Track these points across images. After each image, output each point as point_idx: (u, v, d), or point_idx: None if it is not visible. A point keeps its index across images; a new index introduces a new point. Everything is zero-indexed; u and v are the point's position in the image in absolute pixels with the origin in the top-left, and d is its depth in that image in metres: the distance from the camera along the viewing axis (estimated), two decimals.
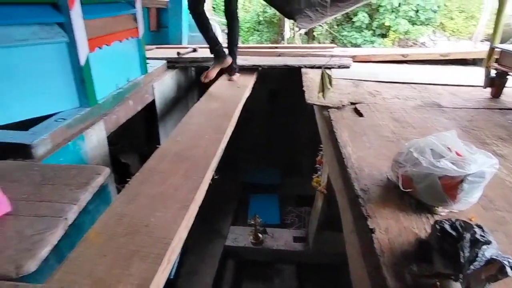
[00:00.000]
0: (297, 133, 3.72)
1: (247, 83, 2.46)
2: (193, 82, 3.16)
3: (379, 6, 9.19)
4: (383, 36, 9.75)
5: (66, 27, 1.46)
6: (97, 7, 1.67)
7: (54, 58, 1.49)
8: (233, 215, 3.51)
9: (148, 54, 2.39)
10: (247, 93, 2.31)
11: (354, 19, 9.56)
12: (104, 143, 1.77)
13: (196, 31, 3.32)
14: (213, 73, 2.47)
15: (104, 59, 1.76)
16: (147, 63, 2.35)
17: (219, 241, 3.12)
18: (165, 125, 2.66)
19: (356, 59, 2.96)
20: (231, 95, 2.18)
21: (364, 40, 9.67)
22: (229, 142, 1.65)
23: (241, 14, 11.31)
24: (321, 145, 2.40)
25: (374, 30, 9.71)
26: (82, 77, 1.58)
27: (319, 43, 9.89)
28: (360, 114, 1.67)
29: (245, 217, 3.38)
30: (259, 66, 2.70)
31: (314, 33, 10.01)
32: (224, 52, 2.47)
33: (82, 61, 1.56)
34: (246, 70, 2.68)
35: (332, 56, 2.89)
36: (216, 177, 1.30)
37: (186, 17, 3.68)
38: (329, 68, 2.61)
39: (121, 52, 1.98)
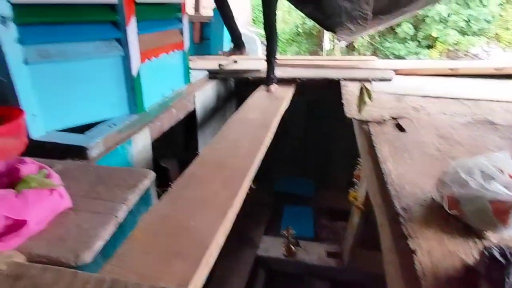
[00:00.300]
0: (333, 145, 3.68)
1: (285, 94, 2.50)
2: (232, 93, 3.27)
3: (425, 16, 8.85)
4: (429, 47, 9.34)
5: (123, 42, 1.62)
6: (150, 23, 1.82)
7: (110, 70, 1.64)
8: (265, 225, 3.53)
9: (191, 64, 2.53)
10: (285, 104, 2.35)
11: (397, 30, 9.29)
12: (149, 148, 1.90)
13: None
14: (229, 54, 2.95)
15: (152, 70, 1.90)
16: (190, 74, 2.49)
17: (251, 249, 3.14)
18: (204, 133, 2.78)
19: (399, 72, 2.88)
20: (269, 106, 2.23)
21: (408, 51, 9.33)
22: (266, 152, 1.69)
23: (280, 26, 11.53)
24: (359, 159, 2.36)
25: (419, 41, 9.35)
26: (133, 87, 1.73)
27: (360, 54, 9.72)
28: (402, 130, 1.63)
29: (277, 228, 3.38)
30: (298, 78, 2.74)
31: (355, 44, 9.87)
32: (243, 43, 2.87)
33: (134, 72, 1.70)
34: (285, 81, 2.72)
35: (373, 68, 2.84)
36: (253, 187, 1.34)
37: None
38: (369, 81, 2.57)
39: (168, 63, 2.13)
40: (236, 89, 3.30)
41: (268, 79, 2.61)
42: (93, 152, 1.47)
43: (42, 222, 0.88)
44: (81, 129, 1.63)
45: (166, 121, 2.07)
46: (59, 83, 1.51)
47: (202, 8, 4.85)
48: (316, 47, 11.00)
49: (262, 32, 2.63)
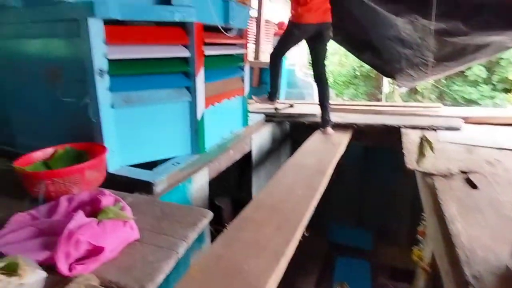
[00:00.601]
0: (393, 195, 3.48)
1: (341, 140, 2.52)
2: (287, 135, 3.38)
3: (500, 58, 8.32)
4: (507, 90, 8.63)
5: (191, 89, 1.84)
6: (215, 72, 2.05)
7: (178, 114, 1.86)
8: (317, 276, 3.36)
9: (249, 107, 2.71)
10: (341, 150, 2.36)
11: (467, 72, 8.81)
12: (206, 187, 2.04)
13: (292, 87, 3.64)
14: (260, 100, 3.19)
15: (214, 114, 2.10)
16: (248, 117, 2.67)
17: None
18: (258, 174, 2.87)
19: (469, 121, 2.72)
20: (325, 151, 2.27)
21: (481, 95, 8.72)
22: (320, 198, 1.70)
23: (336, 68, 11.71)
24: (423, 213, 2.21)
25: (494, 84, 8.72)
26: (197, 129, 1.92)
27: (423, 98, 9.35)
28: (473, 186, 1.52)
29: (329, 280, 3.19)
30: (355, 124, 2.75)
31: (418, 88, 9.56)
32: (276, 97, 3.13)
33: (199, 116, 1.90)
34: (341, 127, 2.75)
35: (438, 116, 2.73)
36: (306, 234, 1.35)
37: (285, 75, 4.07)
38: (434, 130, 2.47)
39: (229, 108, 2.33)
40: (292, 132, 3.40)
41: (323, 122, 2.68)
42: (158, 188, 1.64)
43: (115, 250, 1.01)
44: (147, 165, 1.83)
45: (224, 162, 2.22)
46: (136, 124, 1.75)
47: (261, 53, 5.24)
48: (374, 90, 10.88)
49: None
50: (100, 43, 1.54)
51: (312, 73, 2.73)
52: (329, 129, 2.66)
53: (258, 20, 4.41)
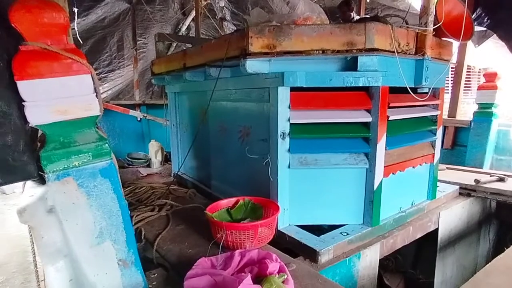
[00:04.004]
0: None
1: None
2: (491, 217, 2.69)
3: None
4: None
5: (370, 156, 1.77)
6: (400, 138, 1.90)
7: (353, 180, 1.82)
8: None
9: (438, 174, 2.34)
10: None
11: None
12: (376, 265, 1.84)
13: (505, 154, 2.92)
14: None
15: (394, 184, 1.92)
16: (437, 187, 2.31)
17: None
18: (443, 260, 2.39)
19: None
20: None
21: None
22: None
23: None
24: None
25: None
26: (371, 199, 1.80)
27: None
28: None
29: None
30: None
31: None
32: None
33: (376, 185, 1.78)
34: None
35: None
36: None
37: (494, 138, 3.33)
38: None
39: (412, 177, 2.08)
40: (499, 215, 2.68)
41: None
42: (323, 258, 1.61)
43: None
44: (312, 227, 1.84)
45: (400, 239, 1.96)
46: (308, 186, 1.83)
47: (459, 109, 4.57)
48: None
49: None
50: (285, 108, 1.75)
51: None
52: None
53: (457, 71, 3.84)
